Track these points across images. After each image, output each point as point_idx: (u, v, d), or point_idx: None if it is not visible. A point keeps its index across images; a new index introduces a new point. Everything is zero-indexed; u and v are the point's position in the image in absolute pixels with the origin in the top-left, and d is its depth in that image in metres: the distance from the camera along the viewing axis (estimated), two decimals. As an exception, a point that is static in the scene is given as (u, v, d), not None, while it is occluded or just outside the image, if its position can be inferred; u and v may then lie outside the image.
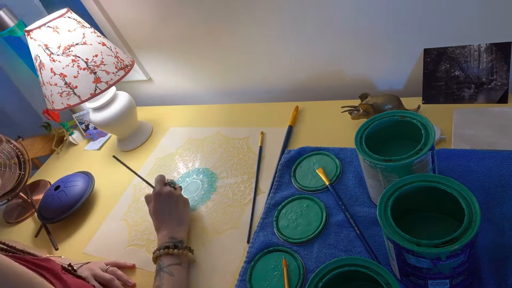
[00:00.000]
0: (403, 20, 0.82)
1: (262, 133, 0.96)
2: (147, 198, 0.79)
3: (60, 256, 0.85)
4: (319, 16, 0.89)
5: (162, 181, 0.79)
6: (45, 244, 0.93)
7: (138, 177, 0.83)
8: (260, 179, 0.85)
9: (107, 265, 0.78)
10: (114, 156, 0.83)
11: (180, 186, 0.83)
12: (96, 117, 1.05)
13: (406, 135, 0.64)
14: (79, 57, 0.92)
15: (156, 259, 0.70)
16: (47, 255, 0.83)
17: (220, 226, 0.79)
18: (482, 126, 0.73)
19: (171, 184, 0.81)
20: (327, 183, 0.75)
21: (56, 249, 0.90)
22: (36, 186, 1.15)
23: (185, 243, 0.73)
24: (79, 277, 0.71)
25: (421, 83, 0.85)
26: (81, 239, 0.91)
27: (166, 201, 0.76)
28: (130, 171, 0.83)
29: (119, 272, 0.77)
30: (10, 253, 0.58)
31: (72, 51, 0.91)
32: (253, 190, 0.83)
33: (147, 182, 0.83)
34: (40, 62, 0.92)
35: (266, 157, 0.90)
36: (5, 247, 0.61)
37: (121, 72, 0.97)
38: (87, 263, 0.79)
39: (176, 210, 0.77)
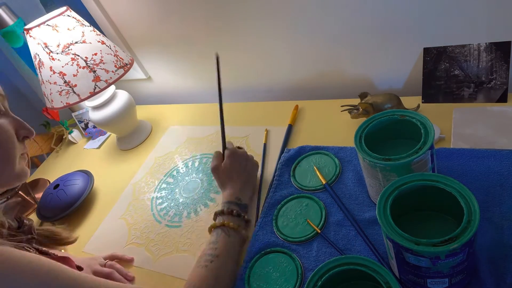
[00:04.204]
0: (402, 19, 0.82)
1: (266, 130, 0.96)
2: (217, 154, 0.80)
3: (61, 250, 0.86)
4: (319, 16, 0.89)
5: (233, 144, 0.82)
6: (44, 242, 0.94)
7: (220, 125, 0.80)
8: (259, 178, 0.85)
9: (105, 259, 0.79)
10: (216, 55, 0.73)
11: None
12: (95, 115, 1.05)
13: (405, 134, 0.64)
14: (78, 55, 0.91)
15: (216, 216, 0.71)
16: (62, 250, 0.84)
17: (220, 225, 0.79)
18: (481, 125, 0.73)
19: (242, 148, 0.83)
20: (323, 182, 0.75)
21: None
22: (35, 184, 1.15)
23: (247, 209, 0.74)
24: None
25: (420, 82, 0.85)
26: (80, 238, 0.91)
27: (240, 160, 0.78)
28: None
29: (118, 265, 0.78)
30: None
31: (71, 49, 0.91)
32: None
33: (223, 136, 0.80)
34: (40, 60, 0.92)
35: (266, 155, 0.90)
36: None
37: (121, 71, 0.97)
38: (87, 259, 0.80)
39: (246, 169, 0.78)
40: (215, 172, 0.78)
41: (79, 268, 0.71)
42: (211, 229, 0.70)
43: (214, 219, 0.71)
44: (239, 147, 0.82)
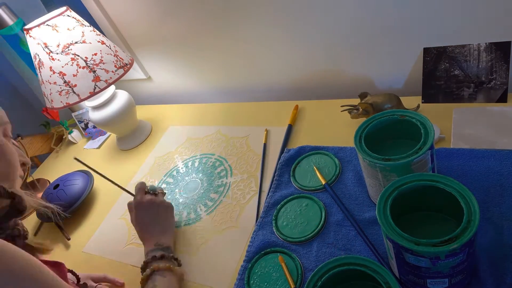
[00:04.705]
0: (402, 19, 0.82)
1: (266, 130, 0.96)
2: (129, 206, 0.77)
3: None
4: (319, 15, 0.89)
5: (142, 189, 0.77)
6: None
7: (117, 186, 0.80)
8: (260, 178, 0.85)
9: (95, 280, 0.76)
10: (75, 158, 0.80)
11: (162, 190, 0.81)
12: (95, 115, 1.05)
13: (405, 134, 0.64)
14: (78, 55, 0.91)
15: (143, 270, 0.67)
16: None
17: (220, 225, 0.79)
18: (481, 125, 0.73)
19: (151, 190, 0.79)
20: (323, 182, 0.75)
21: (68, 239, 0.91)
22: (35, 184, 1.14)
23: (172, 250, 0.71)
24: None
25: (420, 82, 0.85)
26: (80, 238, 0.91)
27: (147, 210, 0.74)
28: (108, 180, 0.79)
29: None
30: None
31: (71, 49, 0.91)
32: (253, 188, 0.83)
33: (126, 191, 0.80)
34: (39, 60, 0.92)
35: (266, 156, 0.90)
36: None
37: (121, 71, 0.97)
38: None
39: (158, 218, 0.75)
40: (133, 225, 0.76)
41: (73, 273, 0.69)
42: (143, 282, 0.65)
43: (142, 273, 0.67)
44: (150, 190, 0.78)
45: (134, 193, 0.78)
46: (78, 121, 1.27)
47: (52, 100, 0.94)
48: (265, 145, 0.92)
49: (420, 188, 0.53)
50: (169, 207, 0.78)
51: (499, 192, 0.61)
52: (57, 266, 0.58)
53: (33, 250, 0.64)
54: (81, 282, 0.72)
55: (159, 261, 0.67)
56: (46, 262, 0.57)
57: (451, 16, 0.78)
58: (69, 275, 0.68)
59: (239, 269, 0.68)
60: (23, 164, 0.61)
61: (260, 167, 0.87)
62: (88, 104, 1.04)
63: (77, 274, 0.71)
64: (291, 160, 0.84)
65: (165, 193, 0.83)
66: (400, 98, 0.81)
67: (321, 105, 0.98)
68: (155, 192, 0.79)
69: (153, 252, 0.69)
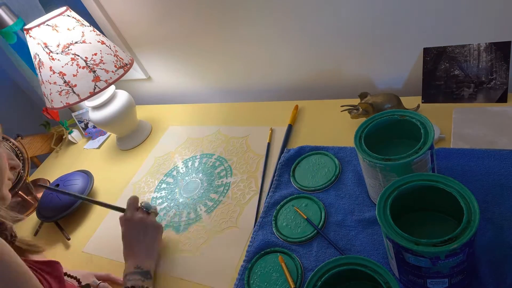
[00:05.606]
0: (402, 19, 0.82)
1: (271, 129, 0.95)
2: (121, 220, 0.75)
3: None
4: (319, 15, 0.89)
5: (133, 205, 0.76)
6: (45, 242, 0.94)
7: (104, 206, 0.79)
8: (260, 178, 0.85)
9: (99, 279, 0.76)
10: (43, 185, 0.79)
11: (156, 210, 0.79)
12: (95, 115, 1.05)
13: (405, 134, 0.64)
14: (78, 55, 0.91)
15: None
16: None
17: (220, 225, 0.79)
18: (481, 125, 0.73)
19: (145, 208, 0.77)
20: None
21: (68, 239, 0.91)
22: (35, 184, 1.14)
23: (150, 275, 0.69)
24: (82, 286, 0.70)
25: (420, 82, 0.85)
26: (80, 238, 0.91)
27: (135, 228, 0.73)
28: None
29: None
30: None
31: (71, 49, 0.91)
32: (253, 189, 0.83)
33: (115, 208, 0.78)
34: (39, 60, 0.92)
35: (266, 155, 0.90)
36: None
37: (121, 71, 0.97)
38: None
39: (145, 238, 0.73)
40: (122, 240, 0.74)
41: (71, 276, 0.69)
42: None
43: None
44: (143, 207, 0.76)
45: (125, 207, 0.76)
46: (78, 121, 1.27)
47: (52, 100, 0.94)
48: (269, 144, 0.92)
49: (420, 188, 0.53)
50: (158, 229, 0.76)
51: (499, 192, 0.61)
52: (52, 265, 0.58)
53: (23, 251, 0.63)
54: (83, 283, 0.72)
55: None
56: (39, 262, 0.57)
57: (451, 16, 0.78)
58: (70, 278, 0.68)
59: (239, 269, 0.68)
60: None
61: (263, 166, 0.87)
62: (88, 104, 1.04)
63: (76, 277, 0.71)
64: (291, 160, 0.84)
65: (158, 213, 0.80)
66: (400, 98, 0.81)
67: (321, 105, 0.98)
68: (148, 210, 0.77)
69: (132, 276, 0.67)
